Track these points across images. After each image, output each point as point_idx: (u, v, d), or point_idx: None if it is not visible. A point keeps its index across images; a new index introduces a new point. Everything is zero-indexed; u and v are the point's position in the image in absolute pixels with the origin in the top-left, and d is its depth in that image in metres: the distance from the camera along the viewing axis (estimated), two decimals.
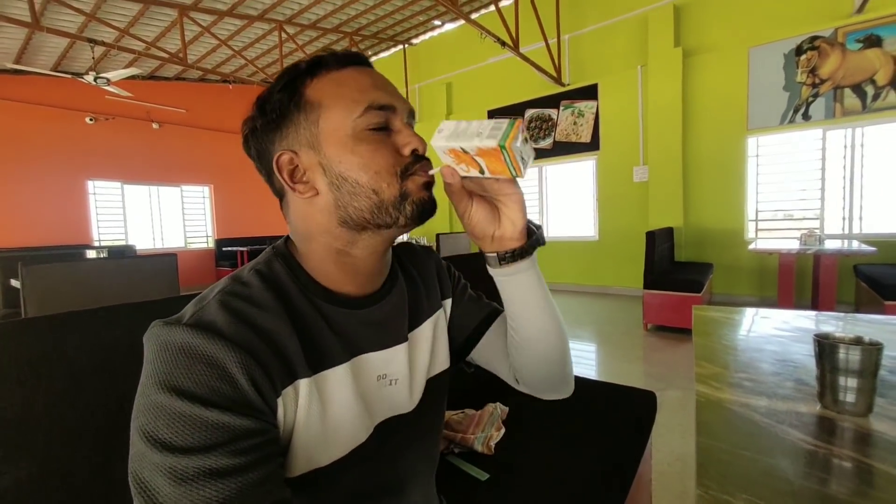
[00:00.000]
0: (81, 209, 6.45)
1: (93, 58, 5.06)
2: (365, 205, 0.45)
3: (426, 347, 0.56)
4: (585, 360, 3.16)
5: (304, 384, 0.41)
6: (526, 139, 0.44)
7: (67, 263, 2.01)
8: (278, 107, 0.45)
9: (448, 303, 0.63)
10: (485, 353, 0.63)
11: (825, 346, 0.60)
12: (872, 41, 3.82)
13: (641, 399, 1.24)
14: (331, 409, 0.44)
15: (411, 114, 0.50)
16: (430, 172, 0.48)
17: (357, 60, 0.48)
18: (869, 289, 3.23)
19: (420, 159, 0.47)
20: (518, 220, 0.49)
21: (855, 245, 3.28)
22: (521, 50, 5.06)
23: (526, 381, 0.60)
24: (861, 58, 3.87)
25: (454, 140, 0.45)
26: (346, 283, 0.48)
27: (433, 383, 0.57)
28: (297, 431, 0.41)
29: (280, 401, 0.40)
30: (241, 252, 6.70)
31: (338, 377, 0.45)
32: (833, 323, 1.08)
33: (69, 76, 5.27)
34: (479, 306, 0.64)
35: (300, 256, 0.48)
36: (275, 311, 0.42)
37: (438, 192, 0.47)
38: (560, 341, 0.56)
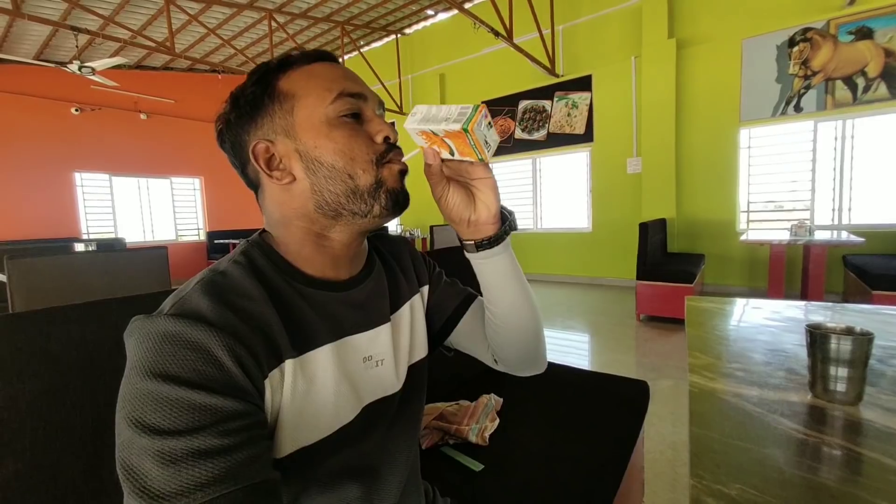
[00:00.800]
0: (69, 201, 6.34)
1: (77, 46, 4.94)
2: (340, 189, 0.46)
3: (406, 330, 0.58)
4: (579, 351, 3.19)
5: (289, 364, 0.42)
6: (490, 124, 0.47)
7: (55, 257, 1.97)
8: (252, 99, 0.47)
9: (425, 289, 0.65)
10: (463, 336, 0.65)
11: (817, 336, 0.61)
12: (864, 33, 3.83)
13: (634, 389, 1.25)
14: (316, 389, 0.44)
15: (381, 104, 0.52)
16: (407, 157, 0.51)
17: (325, 57, 0.50)
18: (857, 278, 3.28)
19: (392, 147, 0.49)
20: (492, 204, 0.51)
21: (844, 236, 3.32)
22: (515, 40, 5.02)
23: (503, 359, 0.63)
24: (852, 50, 3.89)
25: (425, 123, 0.48)
26: (326, 266, 0.50)
27: (414, 370, 0.58)
28: (284, 411, 0.42)
29: (267, 382, 0.40)
30: (233, 244, 6.64)
31: (323, 357, 0.46)
32: (823, 313, 1.09)
33: (53, 65, 5.14)
34: (455, 290, 0.67)
35: (277, 245, 0.49)
36: (257, 295, 0.42)
37: (423, 185, 0.50)
38: (533, 317, 0.60)
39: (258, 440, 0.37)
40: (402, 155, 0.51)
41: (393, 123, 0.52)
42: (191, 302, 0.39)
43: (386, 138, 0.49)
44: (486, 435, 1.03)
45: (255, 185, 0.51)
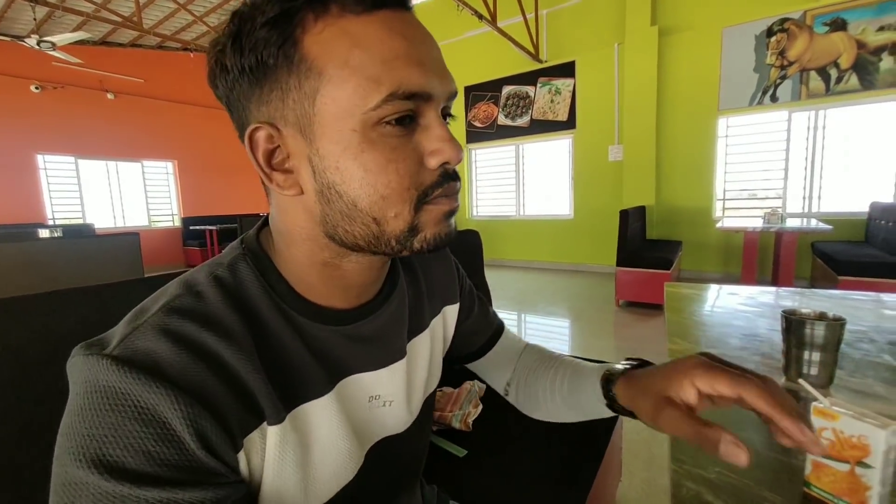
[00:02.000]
0: (31, 185, 6.02)
1: (34, 19, 4.63)
2: (360, 232, 0.34)
3: (425, 361, 0.49)
4: (559, 337, 3.24)
5: (273, 431, 0.33)
6: None
7: (17, 244, 1.87)
8: (260, 50, 0.31)
9: (451, 309, 0.55)
10: (480, 366, 0.62)
11: (793, 322, 0.62)
12: (838, 24, 3.92)
13: None
14: (312, 451, 0.36)
15: (451, 96, 0.35)
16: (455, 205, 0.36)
17: (392, 1, 0.32)
18: (824, 265, 3.42)
19: (448, 179, 0.35)
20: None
21: (813, 223, 3.45)
22: (499, 24, 4.94)
23: (524, 407, 0.60)
24: (827, 41, 3.98)
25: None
26: (332, 296, 0.39)
27: (426, 402, 0.51)
28: (267, 482, 0.33)
29: (242, 454, 0.31)
30: (210, 231, 6.45)
31: (320, 410, 0.37)
32: (795, 298, 1.13)
33: (9, 39, 4.81)
34: (486, 321, 0.61)
35: (277, 257, 0.38)
36: (238, 335, 0.32)
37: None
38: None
39: None
40: (457, 189, 0.36)
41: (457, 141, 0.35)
42: (147, 341, 0.29)
43: (444, 164, 0.34)
44: (470, 421, 1.03)
45: None
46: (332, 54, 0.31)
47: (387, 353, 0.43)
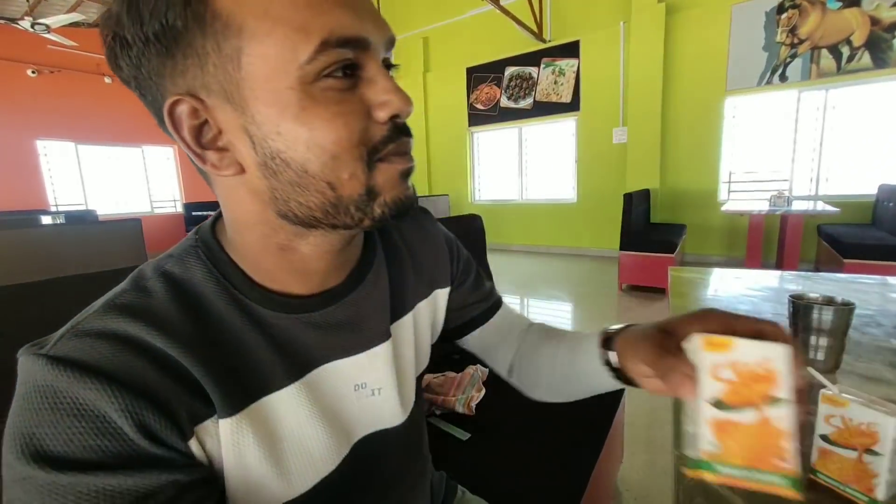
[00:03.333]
0: (32, 171, 6.01)
1: (28, 1, 4.54)
2: (315, 201, 0.31)
3: (409, 343, 0.47)
4: (562, 321, 3.25)
5: (226, 424, 0.31)
6: None
7: (20, 230, 1.87)
8: (165, 14, 0.27)
9: (443, 293, 0.53)
10: (476, 343, 0.59)
11: (800, 307, 0.61)
12: (851, 0, 3.80)
13: None
14: (279, 444, 0.34)
15: (390, 42, 0.33)
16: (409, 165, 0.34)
17: None
18: (830, 247, 3.39)
19: (399, 133, 0.32)
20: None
21: (820, 206, 3.40)
22: (502, 2, 4.81)
23: (525, 385, 0.56)
24: (839, 17, 3.86)
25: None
26: (292, 283, 0.36)
27: (417, 388, 0.49)
28: (229, 471, 0.32)
29: (194, 441, 0.30)
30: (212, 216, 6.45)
31: (284, 402, 0.35)
32: (800, 282, 1.12)
33: (2, 22, 4.73)
34: (481, 293, 0.57)
35: (230, 246, 0.36)
36: (181, 332, 0.31)
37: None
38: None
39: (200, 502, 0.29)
40: (410, 145, 0.34)
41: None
42: (82, 339, 0.28)
43: (393, 116, 0.32)
44: (473, 405, 1.04)
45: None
46: (248, 5, 0.27)
47: (364, 337, 0.40)
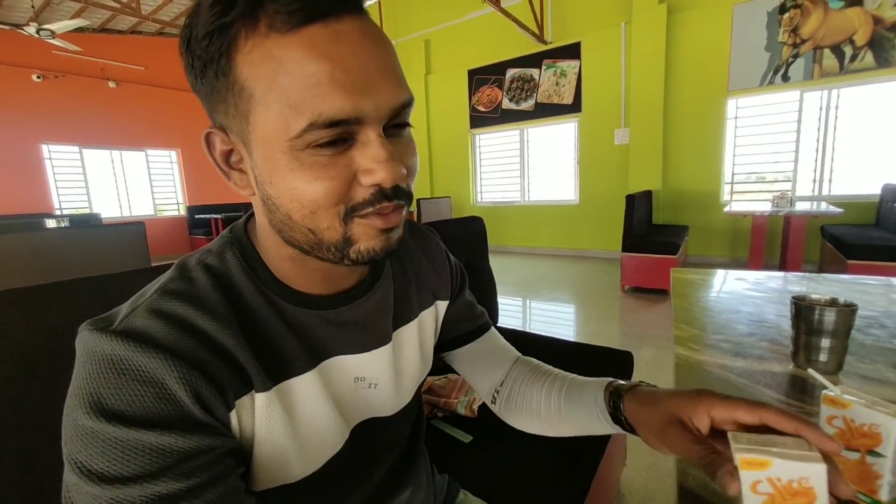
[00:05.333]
0: (38, 175, 6.05)
1: (32, 7, 4.58)
2: (301, 238, 0.35)
3: (414, 349, 0.51)
4: (565, 322, 3.25)
5: (261, 398, 0.36)
6: None
7: (24, 234, 1.88)
8: (205, 62, 0.32)
9: (442, 305, 0.57)
10: (460, 362, 0.61)
11: (802, 308, 0.61)
12: None
13: (619, 359, 1.28)
14: (298, 422, 0.39)
15: (399, 109, 0.34)
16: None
17: (321, 12, 0.30)
18: (833, 248, 3.38)
19: (382, 197, 0.34)
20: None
21: (823, 206, 3.39)
22: (503, 5, 4.83)
23: (510, 413, 0.58)
24: (842, 17, 3.85)
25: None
26: (309, 284, 0.41)
27: (417, 389, 0.54)
28: (259, 442, 0.37)
29: (234, 413, 0.35)
30: (216, 219, 6.47)
31: (303, 386, 0.39)
32: (804, 283, 1.11)
33: (8, 27, 4.78)
34: (472, 313, 0.61)
35: (261, 246, 0.40)
36: (223, 315, 0.35)
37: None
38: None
39: (227, 473, 0.32)
40: (394, 208, 0.35)
41: (412, 150, 0.37)
42: (145, 317, 0.32)
43: (377, 184, 0.33)
44: (475, 407, 1.04)
45: None
46: (259, 78, 0.31)
47: (369, 338, 0.45)
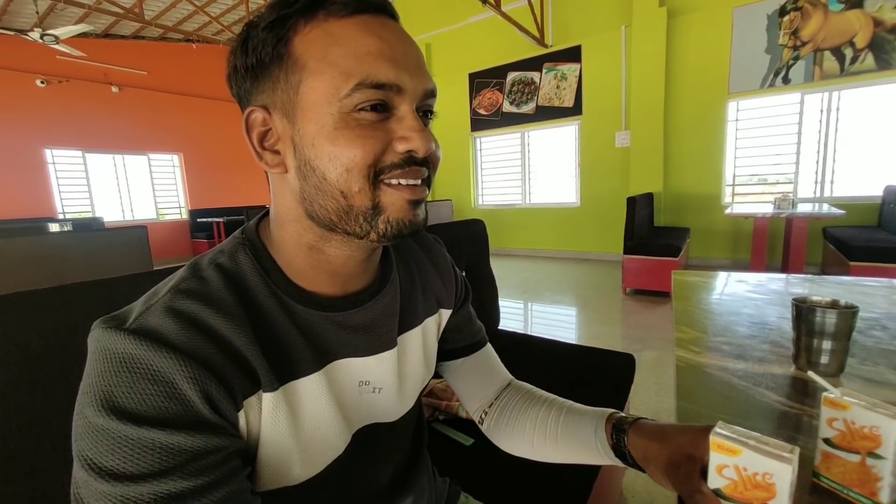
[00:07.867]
0: (41, 179, 6.07)
1: (37, 12, 4.62)
2: (331, 206, 0.37)
3: (416, 355, 0.51)
4: (566, 325, 3.24)
5: (268, 398, 0.37)
6: None
7: (27, 238, 1.90)
8: (259, 50, 0.36)
9: (446, 313, 0.58)
10: (452, 374, 0.61)
11: (803, 310, 0.61)
12: (854, 1, 3.79)
13: (621, 362, 1.28)
14: (302, 423, 0.39)
15: (429, 94, 0.39)
16: (421, 196, 0.39)
17: (372, 6, 0.37)
18: (836, 250, 3.37)
19: (411, 163, 0.37)
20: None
21: (825, 208, 3.38)
22: (503, 8, 4.85)
23: (501, 435, 0.59)
24: (842, 19, 3.85)
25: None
26: (319, 281, 0.42)
27: (420, 394, 0.54)
28: (264, 442, 0.37)
29: (242, 413, 0.35)
30: (218, 223, 6.48)
31: (309, 387, 0.40)
32: (805, 285, 1.11)
33: (12, 33, 4.82)
34: (471, 329, 0.62)
35: (272, 245, 0.42)
36: (235, 314, 0.36)
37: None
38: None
39: (234, 473, 0.33)
40: (420, 174, 0.38)
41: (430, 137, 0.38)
42: (158, 317, 0.33)
43: (409, 151, 0.37)
44: None
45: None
46: (313, 51, 0.35)
47: (376, 342, 0.45)
